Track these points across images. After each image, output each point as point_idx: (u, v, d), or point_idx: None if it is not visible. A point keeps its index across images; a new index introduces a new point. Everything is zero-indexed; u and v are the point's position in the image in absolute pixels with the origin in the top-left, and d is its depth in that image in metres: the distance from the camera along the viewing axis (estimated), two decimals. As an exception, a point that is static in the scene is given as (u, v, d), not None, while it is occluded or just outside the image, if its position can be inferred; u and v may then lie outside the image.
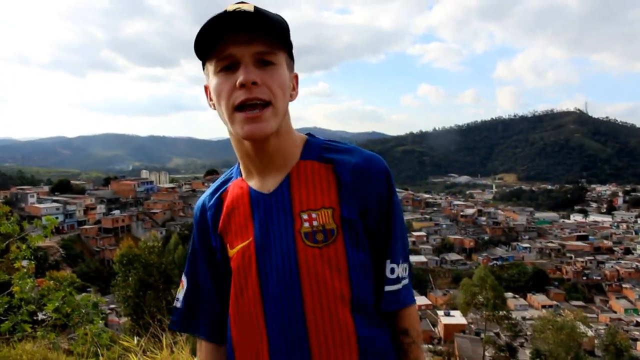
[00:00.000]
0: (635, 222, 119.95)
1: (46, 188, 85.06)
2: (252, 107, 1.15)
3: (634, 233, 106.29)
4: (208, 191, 1.44)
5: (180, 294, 1.44)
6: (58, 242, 59.22)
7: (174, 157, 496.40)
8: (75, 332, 4.49)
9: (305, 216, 1.22)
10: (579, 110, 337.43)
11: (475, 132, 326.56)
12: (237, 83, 1.14)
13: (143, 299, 22.60)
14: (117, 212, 74.06)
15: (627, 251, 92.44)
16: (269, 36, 1.15)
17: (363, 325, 1.21)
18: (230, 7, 1.15)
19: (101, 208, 74.58)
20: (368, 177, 1.25)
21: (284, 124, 1.24)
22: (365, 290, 1.24)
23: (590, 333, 42.32)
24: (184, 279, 1.45)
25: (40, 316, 4.99)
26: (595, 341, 42.62)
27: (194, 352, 3.44)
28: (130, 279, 23.05)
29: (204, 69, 1.25)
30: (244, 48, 1.14)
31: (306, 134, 1.36)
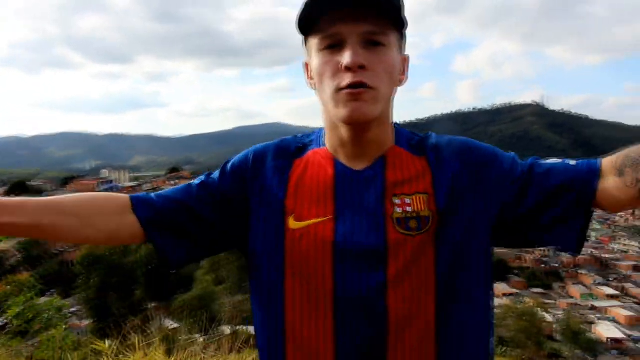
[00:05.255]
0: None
1: (2, 190, 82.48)
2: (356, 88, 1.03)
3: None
4: (275, 145, 1.23)
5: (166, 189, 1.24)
6: (14, 246, 57.53)
7: (135, 155, 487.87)
8: (37, 338, 4.40)
9: (397, 201, 1.09)
10: (536, 102, 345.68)
11: (435, 126, 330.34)
12: (343, 65, 1.02)
13: (106, 300, 22.21)
14: (77, 212, 72.33)
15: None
16: (381, 13, 1.03)
17: (449, 316, 1.08)
18: None
19: (60, 209, 72.73)
20: (466, 160, 1.13)
21: (386, 111, 1.12)
22: (459, 283, 1.09)
23: (549, 319, 43.58)
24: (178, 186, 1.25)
25: (-1, 322, 4.88)
26: (554, 326, 43.94)
27: (168, 353, 3.43)
28: (92, 280, 22.63)
29: (305, 43, 1.14)
30: (352, 26, 1.03)
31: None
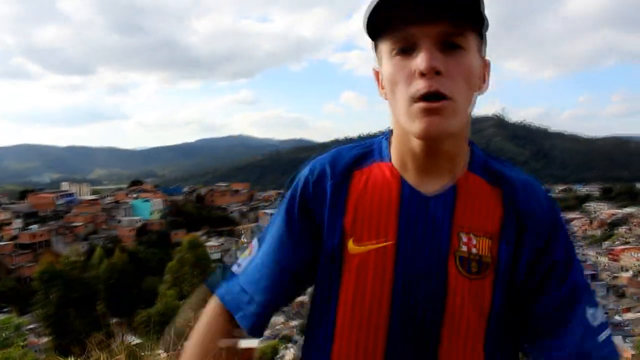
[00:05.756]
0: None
1: (-45, 203, 79.67)
2: (432, 100, 0.92)
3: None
4: (332, 158, 1.12)
5: (245, 260, 1.15)
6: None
7: (96, 168, 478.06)
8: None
9: (464, 238, 1.00)
10: (497, 115, 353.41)
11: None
12: (417, 70, 0.91)
13: (66, 316, 21.62)
14: (35, 226, 70.37)
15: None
16: (459, 12, 0.90)
17: None
18: None
19: (17, 223, 70.72)
20: (539, 217, 1.03)
21: (465, 123, 1.01)
22: (504, 341, 1.04)
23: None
24: (254, 243, 1.17)
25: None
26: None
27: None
28: (51, 296, 22.02)
29: (375, 49, 1.02)
30: (426, 27, 0.91)
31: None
